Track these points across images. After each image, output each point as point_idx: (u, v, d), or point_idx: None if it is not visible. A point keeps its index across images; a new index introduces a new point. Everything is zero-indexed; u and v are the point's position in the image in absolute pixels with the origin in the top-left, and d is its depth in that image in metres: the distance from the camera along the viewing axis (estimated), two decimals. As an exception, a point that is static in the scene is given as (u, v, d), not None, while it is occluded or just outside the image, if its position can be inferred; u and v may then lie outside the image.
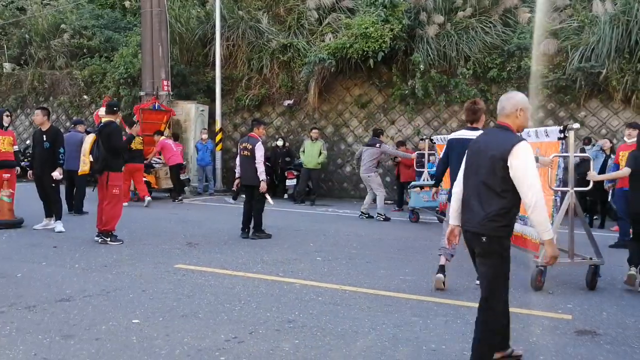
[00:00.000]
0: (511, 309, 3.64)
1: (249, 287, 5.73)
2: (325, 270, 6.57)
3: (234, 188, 9.45)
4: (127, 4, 19.11)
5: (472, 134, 5.21)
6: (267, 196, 8.72)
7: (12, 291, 5.44)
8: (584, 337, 4.48)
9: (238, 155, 8.88)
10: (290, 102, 15.80)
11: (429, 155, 11.61)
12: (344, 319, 4.78)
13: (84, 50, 17.87)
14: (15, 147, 9.00)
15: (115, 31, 18.43)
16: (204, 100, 16.32)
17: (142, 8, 15.81)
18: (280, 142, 14.62)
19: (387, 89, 14.98)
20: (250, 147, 8.49)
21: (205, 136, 14.98)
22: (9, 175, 8.85)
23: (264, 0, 16.55)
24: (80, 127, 11.08)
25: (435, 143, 11.18)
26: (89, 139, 8.40)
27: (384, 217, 10.86)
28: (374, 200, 11.17)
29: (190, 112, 15.75)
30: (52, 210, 8.86)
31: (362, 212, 11.05)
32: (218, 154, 15.57)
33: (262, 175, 8.43)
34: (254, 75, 16.11)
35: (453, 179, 5.62)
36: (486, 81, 13.68)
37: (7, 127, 8.98)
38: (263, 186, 8.44)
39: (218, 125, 15.59)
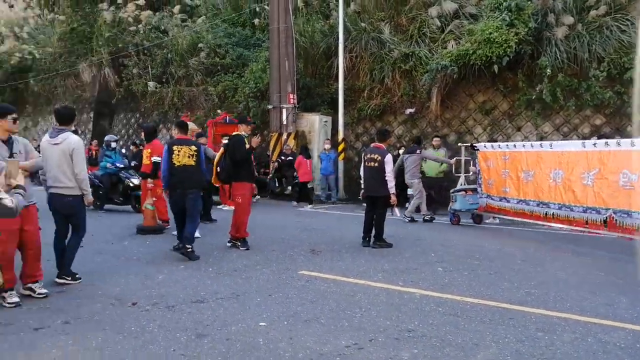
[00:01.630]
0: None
1: (369, 295, 5.84)
2: (446, 281, 6.50)
3: (360, 197, 9.57)
4: (256, 22, 20.13)
5: None
6: (396, 209, 8.77)
7: (155, 291, 6.00)
8: None
9: (362, 165, 8.96)
10: (412, 110, 15.76)
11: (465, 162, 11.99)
12: (464, 330, 4.73)
13: (218, 67, 19.10)
14: (157, 158, 9.77)
15: (246, 48, 19.50)
16: (327, 112, 16.76)
17: (270, 25, 16.65)
18: (401, 151, 14.63)
19: (512, 94, 14.45)
20: (379, 158, 8.52)
21: (328, 146, 15.37)
22: (152, 185, 9.73)
23: (386, 11, 16.69)
24: (202, 140, 11.29)
25: (477, 150, 11.14)
26: (221, 151, 9.00)
27: (410, 219, 11.43)
28: (418, 206, 11.63)
29: (314, 124, 16.27)
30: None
31: (412, 217, 11.50)
32: (340, 164, 15.89)
33: (392, 189, 8.50)
34: (375, 85, 16.28)
35: None
36: (622, 82, 12.71)
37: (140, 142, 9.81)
38: (393, 199, 8.55)
39: (341, 136, 15.94)
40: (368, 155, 8.77)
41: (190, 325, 4.88)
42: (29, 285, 5.77)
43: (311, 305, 5.48)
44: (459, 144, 12.55)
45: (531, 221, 9.98)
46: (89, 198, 6.39)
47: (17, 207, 3.52)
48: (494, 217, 11.09)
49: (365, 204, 9.20)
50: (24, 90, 23.69)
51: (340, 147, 15.97)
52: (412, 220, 11.35)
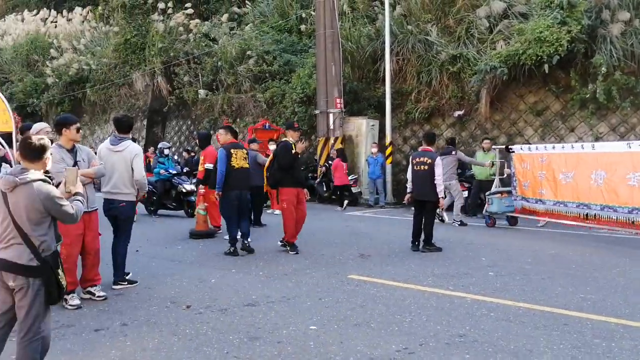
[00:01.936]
0: None
1: (419, 300, 5.82)
2: (498, 286, 6.41)
3: (405, 202, 9.55)
4: (302, 28, 20.33)
5: None
6: (444, 213, 8.72)
7: (207, 295, 6.16)
8: None
9: (410, 169, 8.90)
10: (461, 112, 15.57)
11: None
12: (517, 336, 4.66)
13: (266, 74, 19.37)
14: (209, 165, 9.99)
15: (293, 54, 19.71)
16: (374, 115, 16.73)
17: (316, 31, 16.78)
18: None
19: (565, 94, 14.06)
20: (429, 161, 8.47)
21: (375, 150, 15.34)
22: (204, 190, 9.96)
23: (433, 13, 16.56)
24: (254, 145, 11.44)
25: (512, 152, 10.97)
26: (270, 157, 9.16)
27: (459, 222, 11.26)
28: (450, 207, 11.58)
29: (361, 128, 16.28)
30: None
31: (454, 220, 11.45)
32: (388, 167, 15.84)
33: (441, 193, 8.46)
34: (423, 88, 16.16)
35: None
36: (687, 80, 12.19)
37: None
38: (442, 203, 8.53)
39: (388, 139, 15.89)
40: (417, 159, 8.71)
41: (242, 328, 4.99)
42: (89, 288, 6.03)
43: (361, 310, 5.50)
44: (493, 147, 12.44)
45: (569, 222, 9.85)
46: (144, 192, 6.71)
47: (77, 214, 3.71)
48: (537, 220, 10.92)
49: (413, 208, 9.15)
50: (81, 100, 24.60)
51: (388, 151, 15.92)
52: (462, 223, 11.21)
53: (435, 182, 8.38)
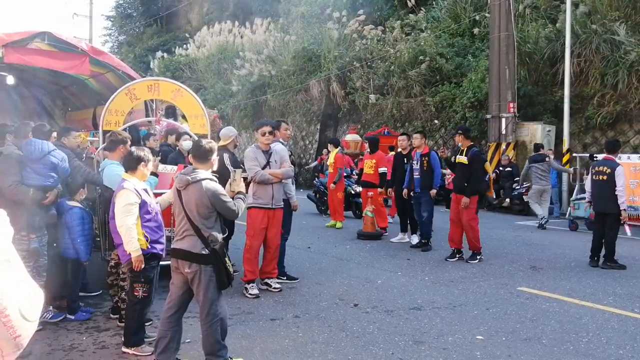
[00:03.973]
0: None
1: (598, 320, 5.44)
2: (694, 313, 5.74)
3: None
4: (475, 31, 19.83)
5: None
6: (626, 226, 8.06)
7: (374, 295, 6.35)
8: None
9: (589, 179, 8.34)
10: (654, 118, 14.07)
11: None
12: None
13: (437, 78, 19.22)
14: (383, 169, 10.26)
15: (465, 58, 19.33)
16: (550, 120, 15.78)
17: (490, 34, 16.27)
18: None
19: None
20: (609, 171, 7.89)
21: (551, 157, 14.44)
22: (372, 193, 10.23)
23: (622, 10, 15.17)
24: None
25: (595, 158, 9.67)
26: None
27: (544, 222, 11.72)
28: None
29: (536, 133, 15.45)
30: (406, 225, 9.86)
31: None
32: (565, 176, 14.83)
33: (623, 204, 7.80)
34: (607, 91, 14.86)
35: None
36: None
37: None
38: (624, 216, 7.85)
39: (565, 146, 14.86)
40: (596, 168, 8.13)
41: (407, 331, 5.08)
42: (266, 280, 6.55)
43: (531, 324, 5.29)
44: (574, 154, 12.90)
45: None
46: (293, 202, 6.91)
47: (238, 210, 4.12)
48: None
49: (593, 220, 8.52)
50: (262, 105, 26.51)
51: (565, 158, 14.88)
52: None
53: (616, 192, 7.75)
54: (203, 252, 4.00)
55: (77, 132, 7.13)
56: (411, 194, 9.33)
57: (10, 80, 9.05)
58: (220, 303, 4.10)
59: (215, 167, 4.28)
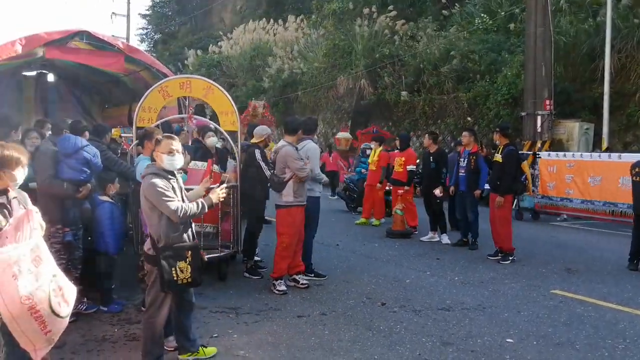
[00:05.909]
0: None
1: (636, 326, 5.27)
2: None
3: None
4: (511, 26, 19.44)
5: None
6: None
7: (402, 294, 6.29)
8: None
9: (630, 179, 8.06)
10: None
11: None
12: None
13: (470, 74, 18.93)
14: (412, 167, 10.16)
15: (499, 54, 18.98)
16: (589, 118, 15.39)
17: (526, 30, 15.94)
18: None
19: None
20: None
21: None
22: (402, 191, 10.14)
23: (666, 2, 14.70)
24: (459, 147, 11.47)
25: (539, 157, 11.02)
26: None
27: None
28: None
29: (573, 131, 15.10)
30: (436, 224, 9.75)
31: None
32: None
33: None
34: (651, 88, 14.44)
35: None
36: None
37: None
38: None
39: (605, 144, 14.47)
40: (636, 169, 7.82)
41: (435, 332, 5.01)
42: (294, 276, 6.55)
43: (565, 328, 5.16)
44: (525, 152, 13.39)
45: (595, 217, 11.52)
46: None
47: (181, 212, 3.85)
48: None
49: (633, 222, 8.23)
50: (293, 101, 26.55)
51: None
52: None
53: None
54: (149, 252, 4.06)
55: (111, 132, 7.37)
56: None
57: (51, 77, 9.37)
58: (162, 307, 4.05)
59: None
